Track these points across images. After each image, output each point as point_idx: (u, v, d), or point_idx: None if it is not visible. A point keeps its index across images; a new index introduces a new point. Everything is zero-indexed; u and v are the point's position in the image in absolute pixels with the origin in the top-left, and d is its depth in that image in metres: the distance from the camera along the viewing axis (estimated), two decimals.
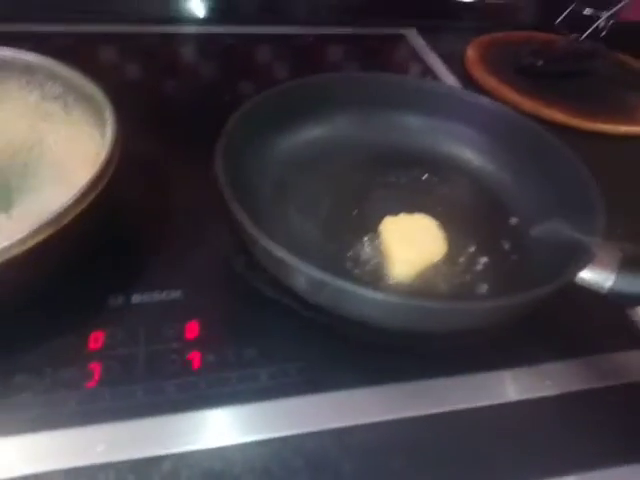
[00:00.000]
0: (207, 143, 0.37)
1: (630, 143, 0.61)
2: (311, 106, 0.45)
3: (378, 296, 0.30)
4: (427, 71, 0.69)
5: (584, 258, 0.33)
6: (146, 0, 0.72)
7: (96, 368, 0.32)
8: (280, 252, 0.31)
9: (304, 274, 0.31)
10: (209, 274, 0.38)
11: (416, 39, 0.76)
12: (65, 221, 0.31)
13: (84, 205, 0.32)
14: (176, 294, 0.36)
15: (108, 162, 0.34)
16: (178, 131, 0.52)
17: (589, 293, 0.32)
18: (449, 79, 0.67)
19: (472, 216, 0.43)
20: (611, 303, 0.33)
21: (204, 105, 0.59)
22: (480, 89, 0.65)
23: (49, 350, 0.32)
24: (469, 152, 0.47)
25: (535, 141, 0.44)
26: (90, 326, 0.33)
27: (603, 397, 0.34)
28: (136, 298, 0.35)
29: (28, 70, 0.37)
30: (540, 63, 0.69)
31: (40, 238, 0.29)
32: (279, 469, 0.29)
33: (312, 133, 0.46)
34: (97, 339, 0.33)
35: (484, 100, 0.47)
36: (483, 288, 0.38)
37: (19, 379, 0.31)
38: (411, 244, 0.38)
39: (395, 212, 0.41)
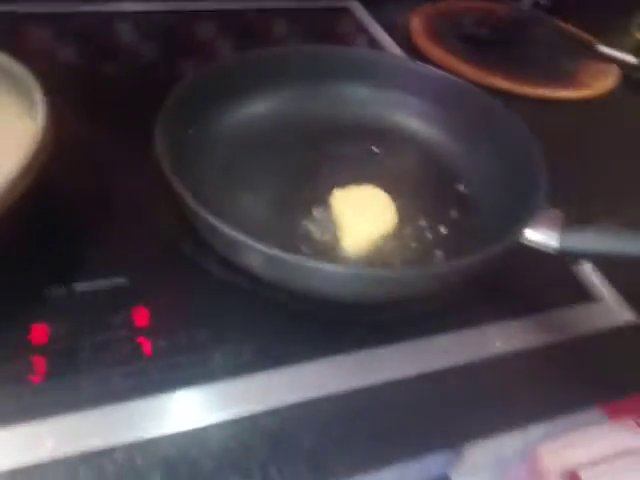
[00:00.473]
0: (147, 125, 0.36)
1: (569, 107, 0.62)
2: (255, 81, 0.44)
3: (331, 268, 0.30)
4: (372, 43, 0.68)
5: (527, 218, 0.33)
6: None
7: (40, 361, 0.30)
8: (229, 230, 0.30)
9: (255, 251, 0.30)
10: (155, 259, 0.37)
11: (360, 11, 0.75)
12: None
13: (17, 191, 0.30)
14: (121, 280, 0.35)
15: (38, 149, 0.32)
16: (115, 113, 0.49)
17: (536, 255, 0.33)
18: (395, 50, 0.67)
19: (420, 185, 0.44)
20: (558, 260, 0.33)
21: (142, 86, 0.56)
22: (425, 59, 0.65)
23: None
24: (416, 122, 0.47)
25: (480, 108, 0.44)
26: (32, 318, 0.32)
27: (552, 352, 0.35)
28: (79, 287, 0.34)
29: None
30: (483, 32, 0.69)
31: None
32: (238, 449, 0.28)
33: (256, 109, 0.45)
34: (40, 331, 0.31)
35: (430, 69, 0.47)
36: (435, 255, 0.38)
37: None
38: (362, 215, 0.38)
39: (344, 184, 0.40)
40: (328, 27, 0.74)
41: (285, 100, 0.45)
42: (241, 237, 0.30)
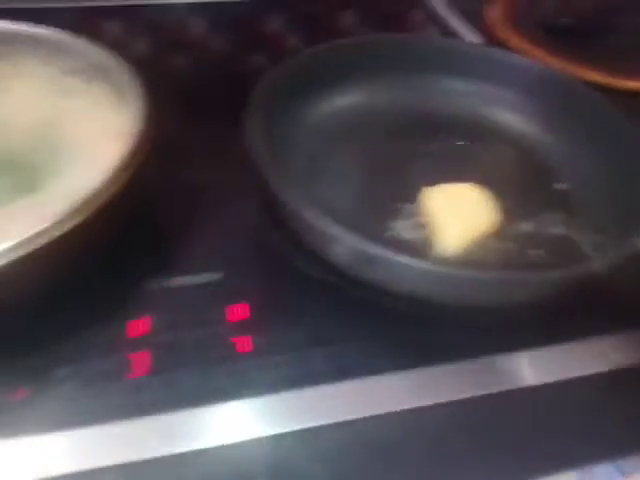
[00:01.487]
0: (231, 116, 0.35)
1: None
2: (345, 71, 0.42)
3: (438, 269, 0.28)
4: (448, 32, 0.66)
5: None
6: None
7: (139, 357, 0.30)
8: (327, 225, 0.29)
9: (353, 248, 0.29)
10: (247, 254, 0.36)
11: None
12: (100, 202, 0.28)
13: (119, 184, 0.29)
14: (217, 276, 0.34)
15: (140, 139, 0.31)
16: (198, 105, 0.49)
17: None
18: (472, 39, 0.64)
19: (516, 183, 0.41)
20: None
21: (222, 77, 0.56)
22: (505, 49, 0.62)
23: (88, 341, 0.30)
24: (510, 115, 0.45)
25: (579, 102, 0.42)
26: (129, 313, 0.31)
27: None
28: (175, 282, 0.33)
29: (45, 44, 0.34)
30: (567, 20, 0.65)
31: (77, 221, 0.27)
32: (342, 454, 0.27)
33: (345, 100, 0.43)
34: (138, 326, 0.31)
35: (524, 61, 0.44)
36: (535, 259, 0.36)
37: (59, 372, 0.29)
38: (458, 215, 0.36)
39: (435, 181, 0.38)
40: (400, 15, 0.71)
41: (374, 92, 0.44)
42: (341, 233, 0.29)
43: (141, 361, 0.30)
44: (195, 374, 0.29)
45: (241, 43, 0.63)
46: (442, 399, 0.30)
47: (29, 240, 0.26)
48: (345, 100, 0.43)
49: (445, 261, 0.34)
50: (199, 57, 0.60)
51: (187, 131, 0.45)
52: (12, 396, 0.28)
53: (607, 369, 0.32)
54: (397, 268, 0.29)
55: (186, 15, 0.66)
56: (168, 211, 0.38)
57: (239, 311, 0.32)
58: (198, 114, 0.48)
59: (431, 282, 0.30)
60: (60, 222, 0.27)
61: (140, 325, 0.31)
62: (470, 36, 0.65)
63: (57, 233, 0.27)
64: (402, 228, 0.37)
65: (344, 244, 0.29)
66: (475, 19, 0.68)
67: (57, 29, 0.35)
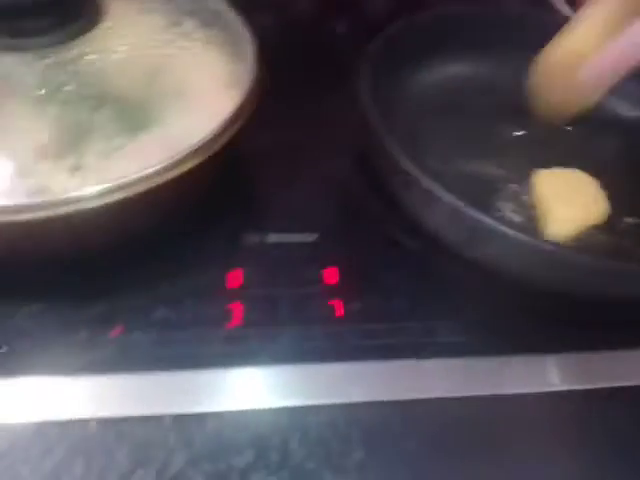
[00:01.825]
0: (323, 76, 0.34)
1: None
2: (455, 41, 0.40)
3: (553, 249, 0.27)
4: (543, 6, 0.62)
5: None
6: None
7: (236, 307, 0.30)
8: (447, 196, 0.28)
9: (469, 221, 0.28)
10: (343, 217, 0.36)
11: None
12: (216, 147, 0.28)
13: (233, 131, 0.29)
14: (312, 237, 0.33)
15: (254, 87, 0.31)
16: (290, 64, 0.48)
17: None
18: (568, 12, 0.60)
19: (625, 174, 0.39)
20: None
21: (310, 38, 0.55)
22: None
23: (188, 285, 0.30)
24: (620, 102, 0.42)
25: None
26: (228, 264, 0.31)
27: None
28: (272, 238, 0.33)
29: None
30: None
31: (189, 165, 0.27)
32: (433, 431, 0.26)
33: (447, 71, 0.41)
34: (236, 277, 0.31)
35: None
36: None
37: (160, 313, 0.29)
38: (571, 201, 0.34)
39: (540, 165, 0.36)
40: None
41: (485, 65, 0.42)
42: (462, 207, 0.28)
43: (237, 312, 0.29)
44: (291, 332, 0.29)
45: (329, 5, 0.62)
46: (535, 389, 0.28)
47: (137, 181, 0.26)
48: (454, 70, 0.41)
49: (560, 244, 0.33)
50: (287, 17, 0.59)
51: (280, 89, 0.44)
52: (108, 332, 0.28)
53: None
54: (509, 245, 0.28)
55: None
56: (266, 168, 0.38)
57: (332, 275, 0.32)
58: (290, 72, 0.47)
59: (539, 263, 0.29)
60: (166, 168, 0.26)
61: (236, 277, 0.31)
62: (566, 9, 0.61)
63: (162, 179, 0.26)
64: (507, 209, 0.36)
65: (457, 214, 0.28)
66: None
67: None
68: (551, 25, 0.42)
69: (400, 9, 0.46)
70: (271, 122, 0.40)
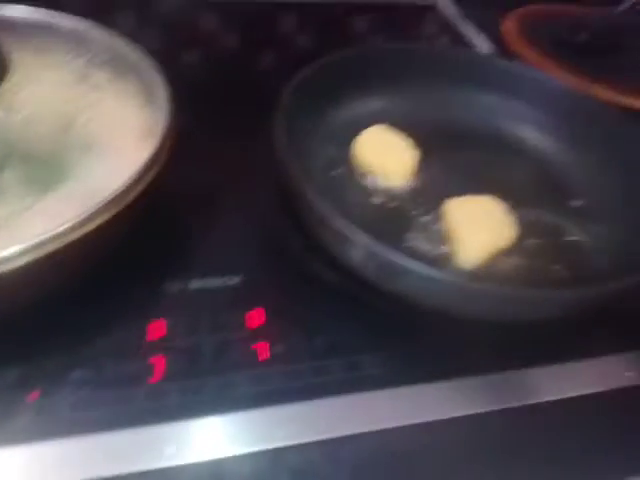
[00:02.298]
0: (245, 117, 0.35)
1: None
2: (373, 77, 0.42)
3: (460, 281, 0.29)
4: (459, 42, 0.66)
5: None
6: None
7: (158, 361, 0.29)
8: (352, 233, 0.29)
9: (383, 260, 0.29)
10: (266, 258, 0.36)
11: (448, 8, 0.72)
12: (126, 201, 0.28)
13: (146, 182, 0.29)
14: (235, 280, 0.34)
15: (166, 136, 0.31)
16: (213, 105, 0.48)
17: None
18: (486, 50, 0.64)
19: (534, 198, 0.41)
20: None
21: (232, 77, 0.56)
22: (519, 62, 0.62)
23: (107, 343, 0.30)
24: (531, 131, 0.45)
25: (603, 122, 0.42)
26: (149, 315, 0.31)
27: None
28: (194, 284, 0.33)
29: (72, 35, 0.34)
30: (580, 38, 0.66)
31: (102, 219, 0.27)
32: (364, 466, 0.27)
33: (367, 107, 0.43)
34: (157, 329, 0.31)
35: (546, 77, 0.44)
36: (553, 274, 0.36)
37: (77, 374, 0.28)
38: (481, 227, 0.36)
39: (455, 193, 0.38)
40: (413, 24, 0.71)
41: (395, 100, 0.44)
42: (371, 244, 0.29)
43: (158, 366, 0.29)
44: (214, 380, 0.29)
45: (253, 42, 0.63)
46: (456, 413, 0.29)
47: (49, 240, 0.25)
48: (368, 107, 0.43)
49: (467, 274, 0.34)
50: (211, 54, 0.60)
51: (201, 132, 0.44)
52: (25, 398, 0.27)
53: (622, 386, 0.32)
54: (420, 280, 0.29)
55: (199, 11, 0.65)
56: (187, 212, 0.38)
57: (257, 317, 0.32)
58: (212, 114, 0.47)
59: (452, 295, 0.30)
60: (81, 223, 0.26)
61: (158, 328, 0.31)
62: (484, 46, 0.65)
63: (77, 235, 0.26)
64: (419, 240, 0.37)
65: (369, 253, 0.29)
66: (488, 29, 0.69)
67: (84, 19, 0.35)
68: (470, 62, 0.45)
69: (324, 46, 0.47)
70: (192, 164, 0.40)
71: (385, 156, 0.40)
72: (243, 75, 0.57)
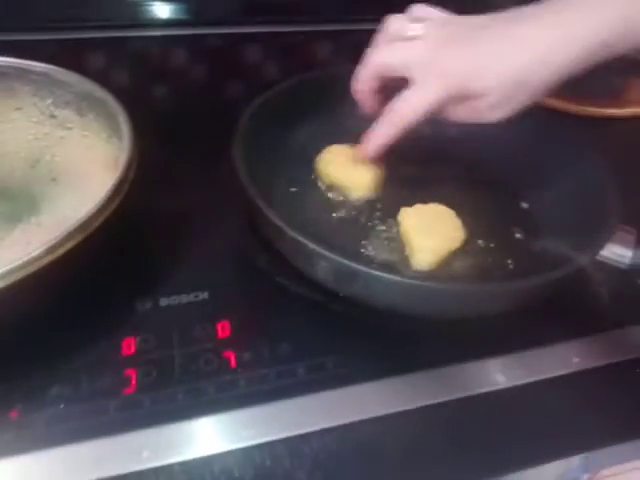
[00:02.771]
0: (212, 144, 0.37)
1: (618, 125, 0.62)
2: (318, 100, 0.45)
3: (412, 283, 0.31)
4: None
5: (605, 234, 0.34)
6: (131, 5, 0.70)
7: (132, 374, 0.31)
8: (311, 245, 0.31)
9: (337, 265, 0.31)
10: (233, 273, 0.38)
11: None
12: (92, 228, 0.30)
13: (110, 210, 0.31)
14: (203, 295, 0.36)
15: (129, 166, 0.33)
16: (181, 133, 0.51)
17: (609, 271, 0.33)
18: None
19: (483, 203, 0.44)
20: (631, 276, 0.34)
21: (200, 106, 0.58)
22: None
23: (83, 359, 0.32)
24: (476, 140, 0.47)
25: (543, 124, 0.45)
26: (122, 332, 0.33)
27: (629, 370, 0.35)
28: (164, 301, 0.35)
29: (39, 78, 0.36)
30: None
31: (70, 245, 0.29)
32: (328, 459, 0.29)
33: (322, 128, 0.46)
34: (130, 345, 0.32)
35: None
36: (503, 272, 0.38)
37: (55, 391, 0.30)
38: (431, 232, 0.38)
39: (410, 203, 0.41)
40: None
41: (346, 120, 0.46)
42: (325, 253, 0.31)
43: (132, 379, 0.31)
44: (184, 388, 0.31)
45: (220, 73, 0.66)
46: (416, 404, 0.31)
47: (21, 267, 0.27)
48: (320, 127, 0.46)
49: (419, 275, 0.37)
50: (180, 87, 0.63)
51: (171, 159, 0.47)
52: (7, 415, 0.29)
53: (571, 371, 0.34)
54: (375, 283, 0.31)
55: (166, 46, 0.68)
56: (155, 236, 0.40)
57: (224, 328, 0.34)
58: (181, 142, 0.50)
59: (406, 296, 0.32)
60: (48, 250, 0.28)
61: (130, 345, 0.32)
62: None
63: (46, 260, 0.28)
64: (377, 247, 0.40)
65: (325, 261, 0.32)
66: None
67: (48, 64, 0.37)
68: None
69: (290, 72, 0.49)
70: (160, 189, 0.43)
71: (347, 171, 0.43)
72: (210, 104, 0.59)
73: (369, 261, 0.38)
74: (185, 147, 0.49)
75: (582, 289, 0.38)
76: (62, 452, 0.28)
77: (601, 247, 0.33)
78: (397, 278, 0.31)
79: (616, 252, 0.36)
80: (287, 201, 0.42)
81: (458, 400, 0.32)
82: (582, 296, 0.38)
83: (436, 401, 0.32)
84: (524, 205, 0.44)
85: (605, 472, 0.40)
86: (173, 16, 0.70)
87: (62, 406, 0.30)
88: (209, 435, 0.29)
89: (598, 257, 0.35)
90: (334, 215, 0.42)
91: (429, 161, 0.46)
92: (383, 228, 0.41)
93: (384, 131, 0.37)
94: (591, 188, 0.39)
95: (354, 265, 0.31)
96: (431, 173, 0.46)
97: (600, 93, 0.65)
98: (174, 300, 0.35)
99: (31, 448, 0.28)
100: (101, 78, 0.39)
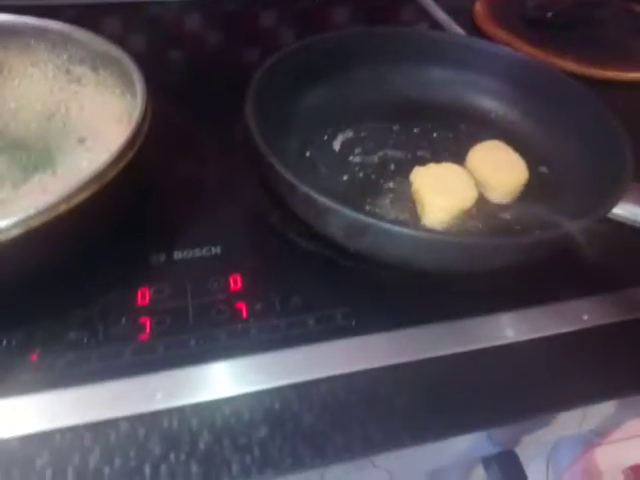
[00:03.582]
0: (227, 106, 0.37)
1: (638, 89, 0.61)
2: (332, 62, 0.45)
3: (425, 235, 0.31)
4: (436, 27, 0.68)
5: (618, 192, 0.33)
6: None
7: (147, 322, 0.32)
8: (322, 198, 0.31)
9: (348, 219, 0.31)
10: (245, 230, 0.39)
11: None
12: (107, 178, 0.31)
13: (124, 162, 0.32)
14: (216, 250, 0.36)
15: (142, 120, 0.34)
16: (196, 96, 0.51)
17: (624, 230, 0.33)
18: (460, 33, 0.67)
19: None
20: None
21: (215, 71, 0.58)
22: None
23: (98, 307, 0.33)
24: (492, 102, 0.47)
25: (558, 88, 0.44)
26: (136, 283, 0.34)
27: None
28: (178, 255, 0.36)
29: (54, 36, 0.37)
30: (549, 14, 0.68)
31: (85, 195, 0.30)
32: (336, 404, 0.30)
33: (334, 89, 0.46)
34: (145, 295, 0.33)
35: (505, 49, 0.47)
36: (512, 231, 0.38)
37: (73, 336, 0.31)
38: (443, 191, 0.38)
39: (423, 163, 0.41)
40: (390, 12, 0.74)
41: (360, 81, 0.46)
42: (336, 206, 0.31)
43: (147, 326, 0.32)
44: (198, 336, 0.31)
45: (235, 38, 0.66)
46: (423, 356, 0.32)
47: (38, 214, 0.28)
48: (335, 89, 0.46)
49: (431, 229, 0.37)
50: (195, 51, 0.63)
51: (186, 120, 0.47)
52: (27, 358, 0.30)
53: (580, 328, 0.34)
54: (386, 237, 0.32)
55: (182, 11, 0.68)
56: (170, 192, 0.40)
57: (236, 281, 0.35)
58: (196, 105, 0.50)
59: (416, 249, 0.33)
60: (65, 199, 0.29)
61: (144, 295, 0.33)
62: (458, 30, 0.68)
63: (62, 209, 0.29)
64: (388, 204, 0.40)
65: (335, 216, 0.32)
66: (463, 14, 0.71)
67: (66, 23, 0.38)
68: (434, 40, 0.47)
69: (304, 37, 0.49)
70: (174, 148, 0.43)
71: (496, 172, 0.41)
72: (225, 69, 0.59)
73: (380, 218, 0.38)
74: (200, 110, 0.49)
75: (595, 247, 0.37)
76: (80, 391, 0.29)
77: (614, 204, 0.33)
78: (407, 231, 0.31)
79: (630, 210, 0.35)
80: (299, 160, 0.42)
81: (466, 353, 0.33)
82: (594, 254, 0.38)
83: (443, 353, 0.32)
84: (542, 169, 0.43)
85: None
86: None
87: (80, 350, 0.31)
88: (220, 379, 0.30)
89: (612, 216, 0.35)
90: (346, 176, 0.42)
91: (448, 122, 0.46)
92: (395, 187, 0.41)
93: None
94: (606, 147, 0.38)
95: (364, 218, 0.31)
96: (450, 134, 0.45)
97: (620, 57, 0.63)
98: (188, 254, 0.36)
99: (50, 388, 0.29)
100: (117, 42, 0.39)
